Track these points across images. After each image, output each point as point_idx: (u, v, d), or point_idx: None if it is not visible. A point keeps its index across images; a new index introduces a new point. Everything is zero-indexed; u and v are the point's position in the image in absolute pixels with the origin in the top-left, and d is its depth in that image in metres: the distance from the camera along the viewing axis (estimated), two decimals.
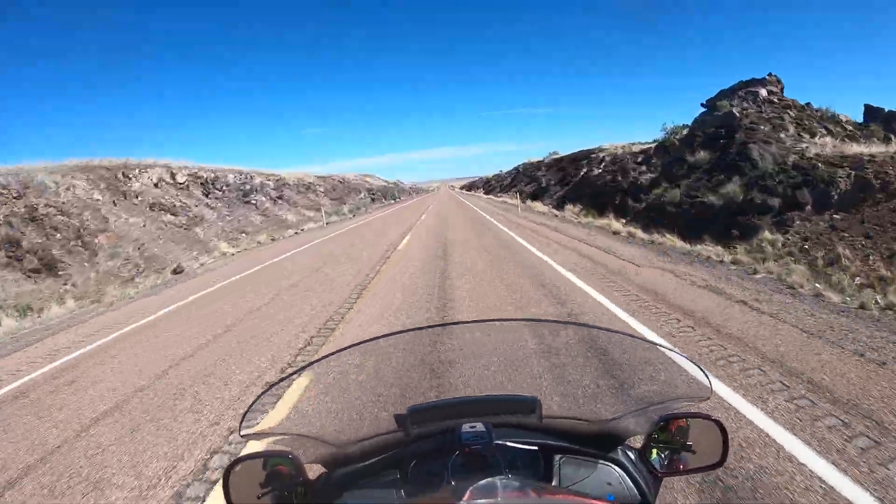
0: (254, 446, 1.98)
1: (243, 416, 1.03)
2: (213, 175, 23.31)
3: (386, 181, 69.14)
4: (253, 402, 1.06)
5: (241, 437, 1.03)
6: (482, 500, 0.69)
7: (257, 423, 2.39)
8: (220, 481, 0.91)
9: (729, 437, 0.92)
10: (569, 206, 20.14)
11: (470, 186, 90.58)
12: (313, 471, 0.92)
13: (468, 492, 0.71)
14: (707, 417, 0.93)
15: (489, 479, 0.77)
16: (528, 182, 37.07)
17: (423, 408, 1.01)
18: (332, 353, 1.12)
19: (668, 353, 1.28)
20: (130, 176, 18.95)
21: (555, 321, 3.02)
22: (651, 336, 4.26)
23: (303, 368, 2.72)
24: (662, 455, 0.93)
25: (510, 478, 0.79)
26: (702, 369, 1.10)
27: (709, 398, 1.02)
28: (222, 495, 0.88)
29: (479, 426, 0.86)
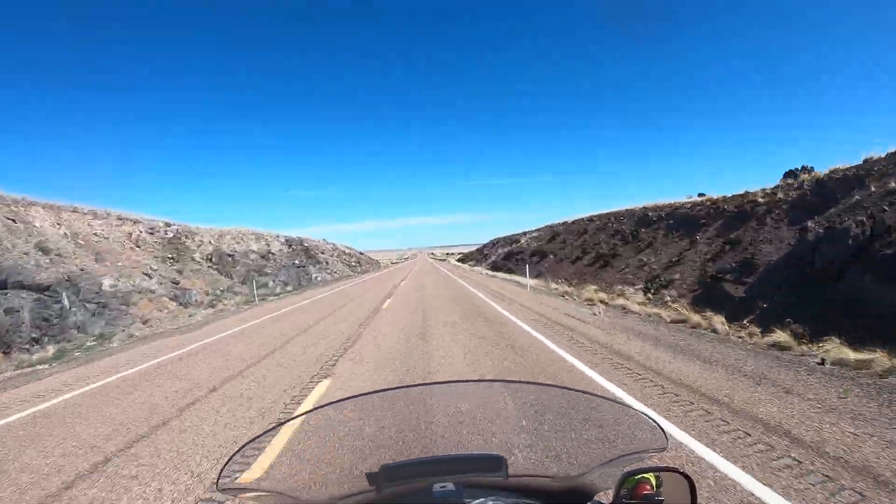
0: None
1: (222, 470, 1.00)
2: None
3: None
4: (232, 456, 1.04)
5: (220, 490, 0.99)
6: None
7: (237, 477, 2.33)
8: None
9: (696, 488, 0.93)
10: None
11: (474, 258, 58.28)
12: None
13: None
14: (674, 470, 0.92)
15: (482, 500, 0.82)
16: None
17: (395, 466, 1.03)
18: (312, 410, 1.21)
19: (625, 408, 1.33)
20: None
21: (507, 381, 3.13)
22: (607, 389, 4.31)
23: (281, 424, 2.69)
24: None
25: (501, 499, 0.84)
26: (656, 423, 1.14)
27: (665, 449, 1.06)
28: None
29: (450, 486, 0.87)
